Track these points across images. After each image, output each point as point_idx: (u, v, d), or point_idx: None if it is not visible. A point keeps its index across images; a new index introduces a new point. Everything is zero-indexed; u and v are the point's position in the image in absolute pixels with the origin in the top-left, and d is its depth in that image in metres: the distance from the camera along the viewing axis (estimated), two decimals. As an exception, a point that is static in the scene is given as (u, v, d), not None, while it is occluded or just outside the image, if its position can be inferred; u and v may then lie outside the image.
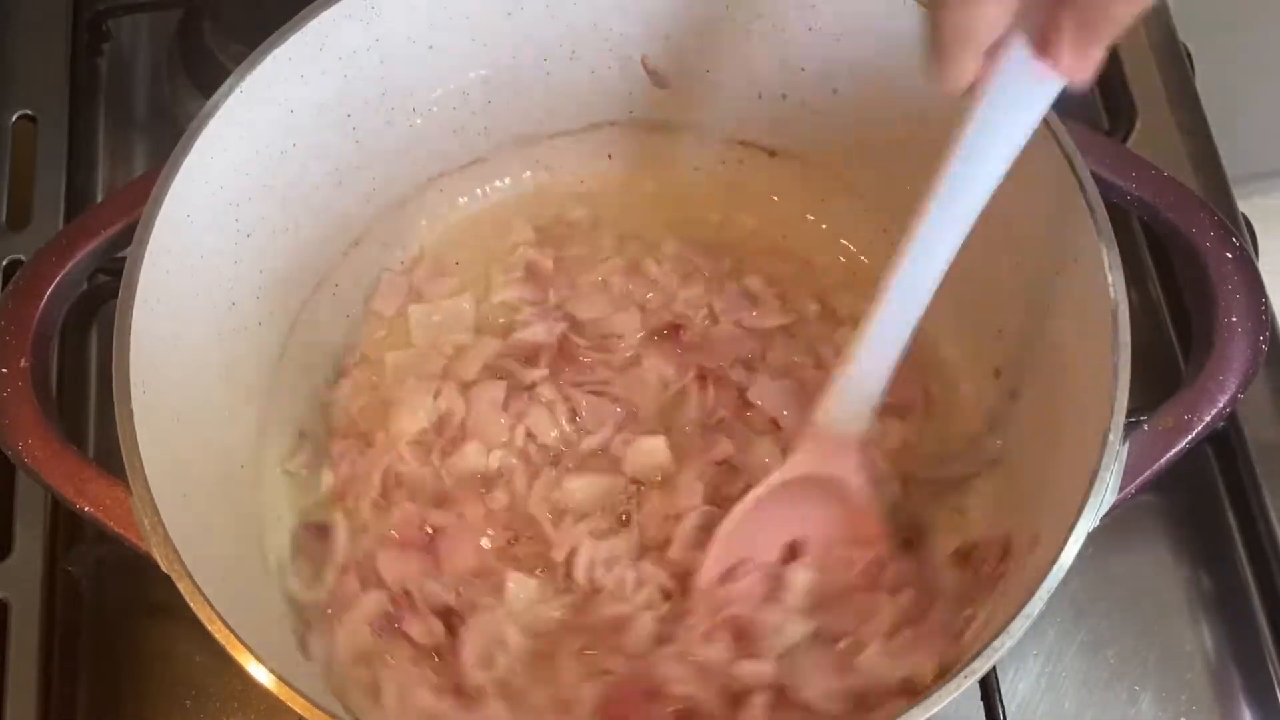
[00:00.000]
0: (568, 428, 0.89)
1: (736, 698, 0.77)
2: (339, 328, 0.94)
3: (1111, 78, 1.03)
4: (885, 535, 0.82)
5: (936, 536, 0.84)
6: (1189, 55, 1.05)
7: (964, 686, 0.64)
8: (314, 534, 0.86)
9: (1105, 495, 0.68)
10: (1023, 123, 0.66)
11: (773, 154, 0.96)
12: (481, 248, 0.98)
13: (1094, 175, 0.76)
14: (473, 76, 0.90)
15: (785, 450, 0.83)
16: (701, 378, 0.90)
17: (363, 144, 0.89)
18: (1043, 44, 0.62)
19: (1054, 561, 0.66)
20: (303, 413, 0.91)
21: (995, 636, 0.65)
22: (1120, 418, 0.69)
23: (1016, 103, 0.65)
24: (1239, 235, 0.78)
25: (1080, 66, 0.62)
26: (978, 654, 0.64)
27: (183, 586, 0.68)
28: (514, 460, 0.88)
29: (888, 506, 0.83)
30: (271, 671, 0.66)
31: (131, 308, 0.73)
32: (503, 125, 0.94)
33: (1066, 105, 1.04)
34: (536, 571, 0.85)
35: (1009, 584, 0.74)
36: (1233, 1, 1.33)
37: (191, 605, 0.67)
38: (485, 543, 0.85)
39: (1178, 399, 0.74)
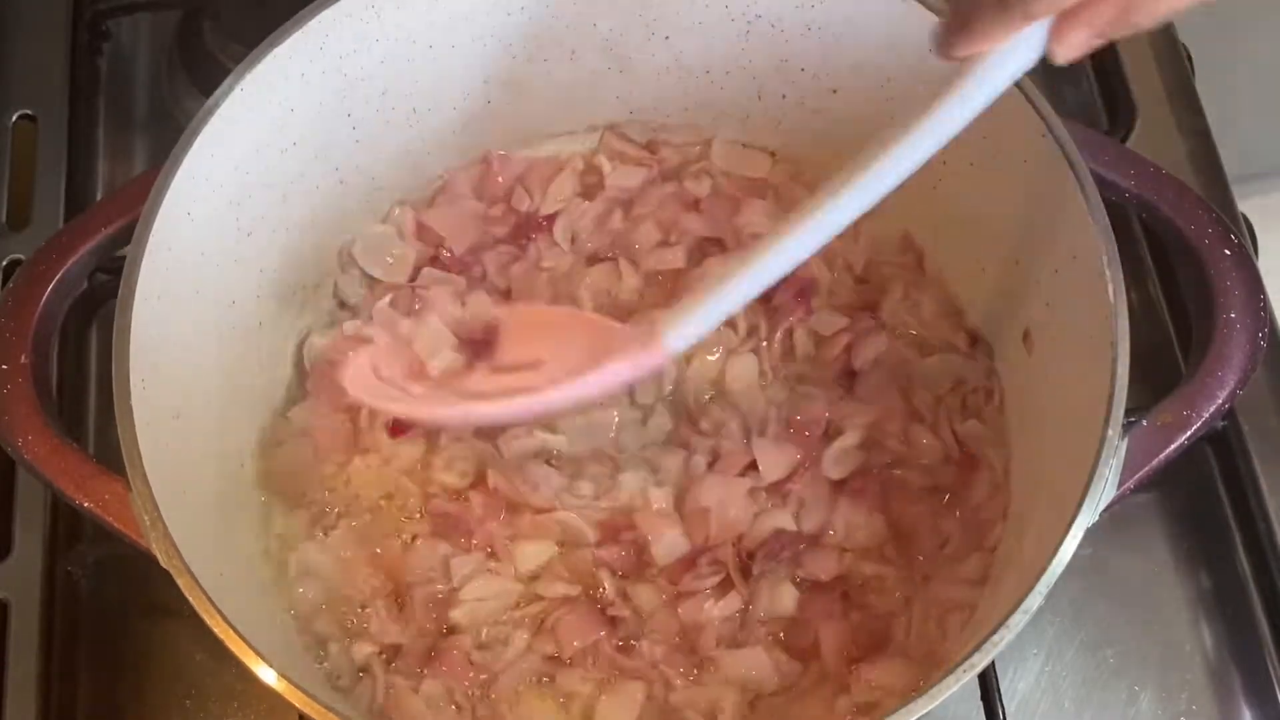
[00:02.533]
0: None
1: None
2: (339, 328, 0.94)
3: (1111, 78, 1.04)
4: None
5: None
6: (1189, 55, 1.05)
7: (963, 680, 0.64)
8: None
9: (1104, 491, 0.69)
10: (996, 91, 0.66)
11: (773, 154, 0.96)
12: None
13: (1093, 173, 0.76)
14: (473, 76, 0.90)
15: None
16: None
17: (363, 144, 0.89)
18: (1056, 31, 0.62)
19: (1053, 556, 0.66)
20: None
21: (994, 631, 0.65)
22: (1119, 413, 0.69)
23: (999, 75, 0.65)
24: (1237, 232, 0.78)
25: (1075, 54, 0.62)
26: (976, 648, 0.64)
27: (182, 582, 0.68)
28: None
29: None
30: (271, 667, 0.66)
31: (131, 306, 0.74)
32: (503, 125, 0.95)
33: (1067, 105, 1.05)
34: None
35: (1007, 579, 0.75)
36: (1233, 1, 1.33)
37: (190, 600, 0.67)
38: None
39: (1177, 395, 0.74)
